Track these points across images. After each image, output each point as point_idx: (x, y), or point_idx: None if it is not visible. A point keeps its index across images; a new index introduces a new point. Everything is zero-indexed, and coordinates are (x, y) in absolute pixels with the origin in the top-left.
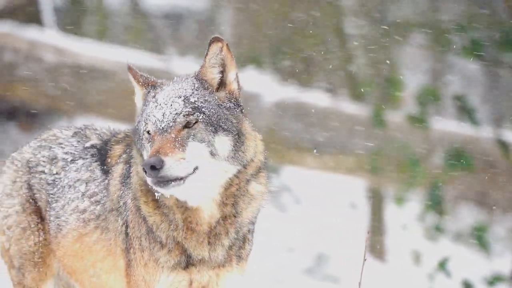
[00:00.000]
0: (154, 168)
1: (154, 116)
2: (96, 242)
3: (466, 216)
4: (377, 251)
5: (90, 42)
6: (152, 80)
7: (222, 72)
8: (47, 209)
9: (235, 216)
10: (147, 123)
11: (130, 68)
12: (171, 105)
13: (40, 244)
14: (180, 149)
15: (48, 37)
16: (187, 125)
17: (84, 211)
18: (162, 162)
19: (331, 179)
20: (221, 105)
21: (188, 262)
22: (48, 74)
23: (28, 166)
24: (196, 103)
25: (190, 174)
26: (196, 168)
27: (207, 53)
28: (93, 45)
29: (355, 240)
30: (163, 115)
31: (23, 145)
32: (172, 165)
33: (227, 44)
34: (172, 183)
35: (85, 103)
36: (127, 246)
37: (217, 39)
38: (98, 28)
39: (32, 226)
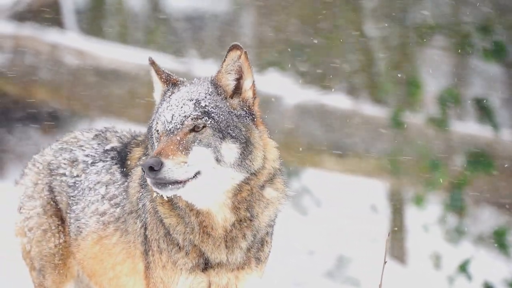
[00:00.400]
0: (153, 169)
1: (164, 116)
2: (115, 244)
3: (487, 218)
4: (398, 254)
5: (111, 45)
6: (174, 78)
7: (238, 79)
8: (68, 211)
9: (251, 220)
10: (157, 122)
11: (153, 63)
12: (182, 107)
13: (61, 246)
14: (183, 153)
15: (70, 40)
16: (194, 129)
17: (104, 213)
18: (161, 164)
19: (351, 182)
20: (232, 112)
21: (206, 265)
22: (69, 76)
23: (49, 168)
24: (207, 107)
25: (190, 178)
26: (198, 173)
27: (224, 59)
28: (114, 48)
29: (376, 242)
30: (172, 116)
31: (45, 147)
32: (172, 168)
33: (245, 52)
34: (170, 186)
35: (106, 105)
36: (146, 248)
37: (236, 47)
38: (119, 30)
39: (53, 228)
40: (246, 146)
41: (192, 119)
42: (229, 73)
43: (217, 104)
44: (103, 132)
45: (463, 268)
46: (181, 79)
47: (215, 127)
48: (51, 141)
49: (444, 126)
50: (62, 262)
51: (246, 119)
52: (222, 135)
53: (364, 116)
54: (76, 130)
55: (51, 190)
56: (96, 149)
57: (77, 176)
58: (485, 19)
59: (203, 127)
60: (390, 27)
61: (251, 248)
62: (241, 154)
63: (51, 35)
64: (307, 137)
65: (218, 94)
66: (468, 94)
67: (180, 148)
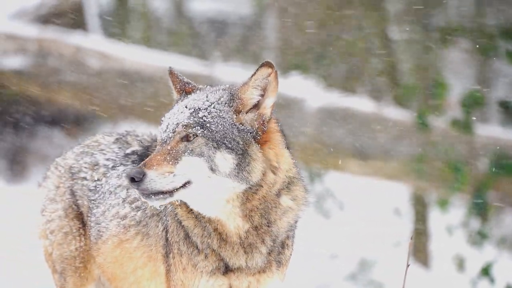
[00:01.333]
0: (134, 180)
1: (161, 125)
2: (136, 248)
3: (510, 221)
4: (421, 257)
5: (134, 47)
6: (190, 86)
7: (261, 96)
8: (89, 215)
9: (268, 226)
10: (158, 131)
11: (171, 73)
12: (178, 116)
13: (82, 249)
14: (171, 162)
15: (93, 42)
16: (187, 138)
17: (124, 217)
18: (143, 175)
19: (374, 184)
20: (235, 125)
21: (226, 268)
22: (92, 79)
23: (71, 172)
24: (204, 117)
25: (177, 188)
26: (188, 183)
27: (254, 74)
28: (138, 50)
29: (399, 245)
30: (167, 125)
31: (67, 150)
32: (154, 179)
33: (276, 72)
34: (153, 196)
35: (129, 108)
36: (167, 251)
37: (268, 64)
38: (143, 33)
39: (74, 231)
40: (243, 158)
41: (183, 126)
42: (256, 88)
43: (220, 114)
44: (124, 136)
45: (486, 271)
46: (200, 87)
47: (209, 136)
48: (74, 144)
49: (467, 129)
50: (83, 265)
51: (247, 134)
52: (217, 144)
53: (387, 119)
54: (98, 133)
55: (72, 193)
56: (117, 153)
57: (98, 180)
58: (508, 21)
59: (195, 136)
60: (413, 30)
61: (272, 251)
62: (237, 165)
63: (75, 38)
64: (330, 140)
65: (228, 105)
66: (491, 97)
67: (168, 158)
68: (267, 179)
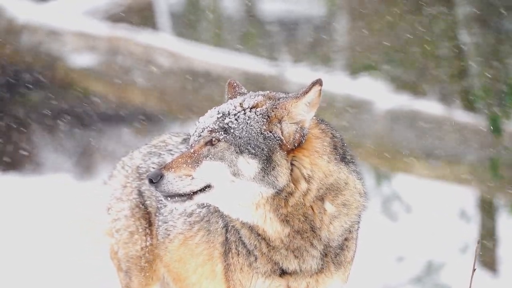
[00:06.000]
0: (152, 181)
1: (193, 129)
2: (198, 244)
3: None
4: (489, 262)
5: (204, 47)
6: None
7: (308, 112)
8: (157, 214)
9: (313, 231)
10: None
11: (228, 84)
12: (206, 120)
13: (147, 249)
14: (191, 166)
15: (163, 41)
16: (211, 143)
17: (191, 214)
18: (161, 177)
19: (442, 188)
20: (261, 133)
21: (283, 271)
22: (161, 78)
23: (138, 172)
24: (230, 123)
25: (195, 191)
26: (208, 187)
27: (307, 91)
28: (207, 50)
29: (467, 249)
30: (196, 129)
31: (133, 150)
32: (171, 181)
33: (321, 88)
34: (171, 198)
35: (198, 108)
36: (225, 250)
37: (320, 83)
38: (213, 32)
39: (140, 230)
40: (268, 163)
41: (208, 131)
42: (306, 105)
43: (248, 121)
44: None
45: None
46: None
47: (231, 141)
48: (141, 142)
49: None
50: (148, 265)
51: (273, 141)
52: (240, 150)
53: (456, 122)
54: (164, 133)
55: (140, 194)
56: None
57: None
58: None
59: (218, 141)
60: (484, 33)
61: (327, 254)
62: (262, 169)
63: (145, 37)
64: (398, 143)
65: (262, 113)
66: None
67: (189, 161)
68: (300, 187)
